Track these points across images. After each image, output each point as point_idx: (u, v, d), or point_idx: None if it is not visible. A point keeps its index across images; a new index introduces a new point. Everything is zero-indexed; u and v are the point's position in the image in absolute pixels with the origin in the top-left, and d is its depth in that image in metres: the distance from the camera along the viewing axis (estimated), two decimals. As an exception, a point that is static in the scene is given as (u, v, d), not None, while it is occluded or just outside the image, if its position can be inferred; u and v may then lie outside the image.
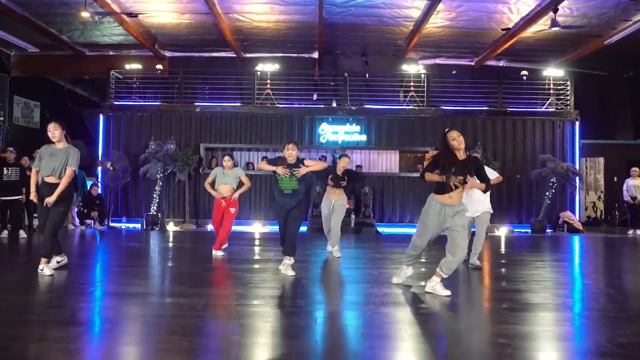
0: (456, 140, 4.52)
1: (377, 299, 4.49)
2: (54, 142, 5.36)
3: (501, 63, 15.06)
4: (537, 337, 3.48)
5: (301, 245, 8.34)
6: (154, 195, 11.77)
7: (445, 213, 4.53)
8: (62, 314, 3.83)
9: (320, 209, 7.45)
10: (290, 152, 5.51)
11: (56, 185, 5.24)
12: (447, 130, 4.70)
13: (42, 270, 5.21)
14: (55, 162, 5.29)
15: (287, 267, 5.51)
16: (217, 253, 7.10)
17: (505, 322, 3.90)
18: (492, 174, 6.36)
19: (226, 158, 7.43)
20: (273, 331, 3.47)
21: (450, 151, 4.54)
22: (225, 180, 7.25)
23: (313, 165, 5.71)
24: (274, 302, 4.36)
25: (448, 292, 4.50)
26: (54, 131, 5.29)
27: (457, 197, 4.55)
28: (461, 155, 4.55)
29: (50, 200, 5.17)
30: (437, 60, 15.01)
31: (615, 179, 13.71)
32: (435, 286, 4.58)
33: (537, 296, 4.68)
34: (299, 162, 5.57)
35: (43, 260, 5.25)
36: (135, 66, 13.86)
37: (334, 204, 7.13)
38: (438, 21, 11.92)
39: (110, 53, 14.89)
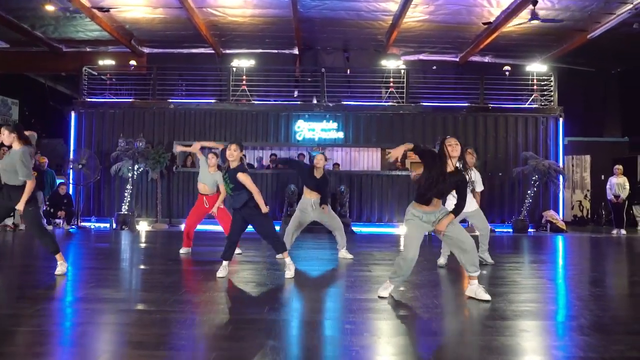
0: (452, 146, 4.28)
1: (345, 306, 4.23)
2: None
3: (486, 59, 14.76)
4: (465, 349, 3.17)
5: (265, 246, 8.06)
6: (125, 194, 11.46)
7: (428, 220, 4.36)
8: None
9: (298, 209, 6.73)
10: (231, 153, 5.21)
11: (14, 187, 5.05)
12: (448, 137, 4.44)
13: (58, 265, 5.27)
14: (3, 164, 5.08)
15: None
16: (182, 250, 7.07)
17: (440, 334, 3.61)
18: (479, 185, 6.38)
19: (210, 155, 6.98)
20: (234, 341, 3.17)
21: (443, 159, 4.28)
22: (205, 180, 6.95)
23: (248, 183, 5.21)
24: (236, 309, 4.08)
25: (488, 297, 4.37)
26: (2, 135, 5.06)
27: (438, 204, 4.37)
28: (452, 165, 4.29)
29: (19, 208, 5.03)
30: (421, 56, 14.70)
31: (603, 177, 13.40)
32: (475, 290, 4.46)
33: (505, 303, 4.35)
34: (235, 169, 5.21)
35: (58, 257, 5.28)
36: (111, 62, 13.54)
37: (314, 204, 6.59)
38: (417, 15, 11.61)
39: (88, 49, 14.60)
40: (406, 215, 4.45)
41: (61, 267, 5.30)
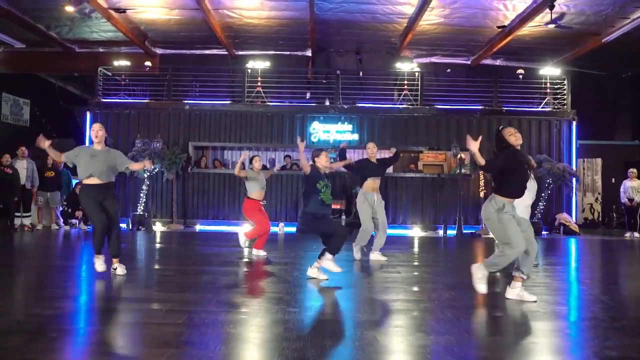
0: (514, 135, 4.29)
1: (380, 306, 4.25)
2: (92, 143, 5.40)
3: (498, 62, 14.79)
4: (521, 350, 3.22)
5: (288, 247, 8.13)
6: (141, 195, 11.50)
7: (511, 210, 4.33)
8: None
9: (359, 210, 6.87)
10: (327, 160, 5.25)
11: (102, 185, 5.20)
12: (501, 127, 4.44)
13: (115, 269, 5.32)
14: (97, 163, 5.21)
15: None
16: (260, 252, 6.97)
17: (491, 333, 3.66)
18: None
19: (256, 159, 7.10)
20: (259, 342, 3.22)
21: (515, 148, 4.29)
22: (263, 184, 7.00)
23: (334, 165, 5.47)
24: (263, 308, 4.13)
25: (534, 298, 4.37)
26: (98, 132, 5.30)
27: None
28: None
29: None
30: (433, 59, 14.73)
31: (614, 180, 13.46)
32: (520, 292, 4.42)
33: (526, 303, 4.41)
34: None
35: (115, 260, 5.36)
36: (125, 63, 13.60)
37: (376, 199, 6.74)
38: (432, 18, 11.65)
39: (101, 50, 14.64)
40: (494, 210, 4.28)
41: (120, 269, 5.39)
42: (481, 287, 4.40)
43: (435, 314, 4.04)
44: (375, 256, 6.84)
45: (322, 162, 5.17)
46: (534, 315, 4.05)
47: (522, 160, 4.30)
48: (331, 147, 12.46)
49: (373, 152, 6.83)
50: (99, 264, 5.28)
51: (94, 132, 5.30)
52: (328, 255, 5.33)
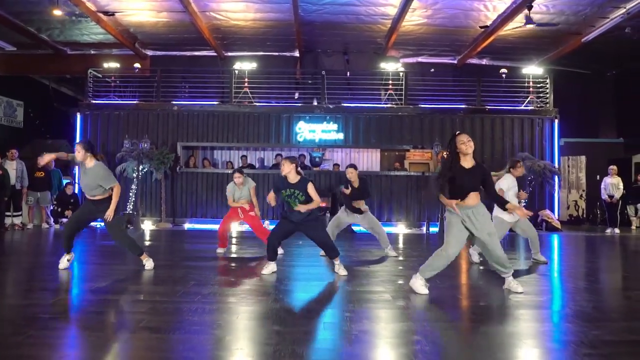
0: (465, 144, 4.35)
1: (345, 297, 4.44)
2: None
3: (484, 61, 15.02)
4: (489, 334, 3.42)
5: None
6: (130, 194, 11.73)
7: (468, 215, 4.43)
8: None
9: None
10: (283, 168, 5.35)
11: (97, 200, 5.43)
12: (457, 132, 4.53)
13: (144, 264, 5.71)
14: (85, 179, 5.43)
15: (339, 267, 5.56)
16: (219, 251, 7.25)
17: (473, 321, 3.87)
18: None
19: (236, 175, 7.30)
20: (214, 328, 3.43)
21: (457, 158, 4.40)
22: (241, 196, 7.25)
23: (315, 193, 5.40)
24: (242, 299, 4.35)
25: (521, 290, 4.62)
26: (78, 152, 5.40)
27: (474, 199, 4.44)
28: (468, 162, 4.40)
29: (107, 218, 5.42)
30: (420, 59, 14.96)
31: (598, 177, 13.64)
32: (510, 283, 4.71)
33: (500, 295, 4.62)
34: (303, 181, 5.36)
35: (143, 257, 5.75)
36: (116, 65, 13.81)
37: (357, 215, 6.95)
38: (415, 19, 11.88)
39: (92, 52, 14.88)
40: (448, 211, 4.53)
41: (148, 263, 5.72)
42: (423, 290, 4.54)
43: (388, 304, 4.24)
44: (388, 251, 7.14)
45: (283, 170, 5.36)
46: (487, 305, 4.25)
47: (454, 172, 4.38)
48: (316, 146, 12.73)
49: (352, 177, 6.96)
50: (62, 262, 5.65)
51: (76, 153, 5.40)
52: (333, 261, 5.56)
